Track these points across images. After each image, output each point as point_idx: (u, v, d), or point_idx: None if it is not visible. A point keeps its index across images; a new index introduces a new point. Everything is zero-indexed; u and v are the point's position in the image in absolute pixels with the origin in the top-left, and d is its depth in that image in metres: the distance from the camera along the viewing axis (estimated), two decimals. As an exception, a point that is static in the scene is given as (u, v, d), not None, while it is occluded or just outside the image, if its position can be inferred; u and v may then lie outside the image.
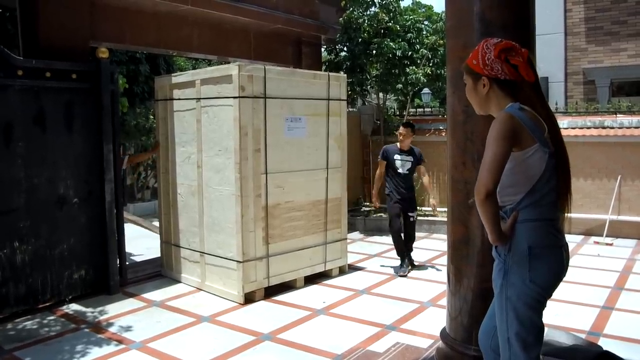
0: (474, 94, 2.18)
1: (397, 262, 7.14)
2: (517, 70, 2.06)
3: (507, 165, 2.00)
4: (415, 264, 6.63)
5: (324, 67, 9.48)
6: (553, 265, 2.06)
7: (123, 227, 5.91)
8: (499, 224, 2.00)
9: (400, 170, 6.41)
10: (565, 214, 2.10)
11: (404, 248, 6.46)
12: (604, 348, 3.50)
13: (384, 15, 8.81)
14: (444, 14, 8.42)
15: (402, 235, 6.45)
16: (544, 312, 2.12)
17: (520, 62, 2.05)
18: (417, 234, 8.68)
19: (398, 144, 6.55)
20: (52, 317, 5.04)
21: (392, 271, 6.51)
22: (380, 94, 9.81)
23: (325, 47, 10.03)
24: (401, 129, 6.57)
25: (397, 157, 6.46)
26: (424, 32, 9.20)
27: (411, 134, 6.54)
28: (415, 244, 8.12)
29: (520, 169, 2.02)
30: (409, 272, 6.37)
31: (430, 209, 6.47)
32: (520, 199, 2.04)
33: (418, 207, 9.25)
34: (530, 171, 2.02)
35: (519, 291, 2.04)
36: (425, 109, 11.69)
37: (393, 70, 8.91)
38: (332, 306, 5.28)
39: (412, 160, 6.47)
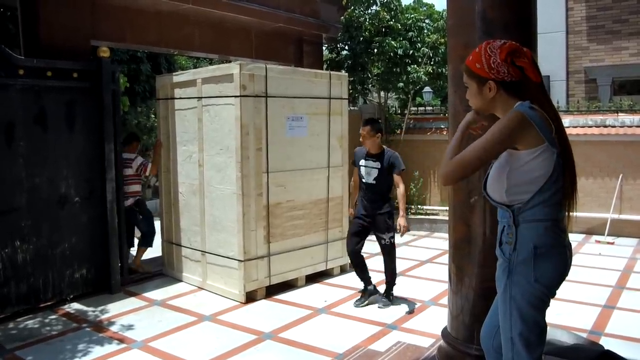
0: (479, 97, 2.16)
1: (399, 262, 7.07)
2: (523, 71, 2.05)
3: (516, 164, 2.02)
4: (380, 305, 5.20)
5: (325, 66, 9.47)
6: (557, 264, 2.05)
7: (124, 226, 5.92)
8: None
9: (364, 180, 5.15)
10: (570, 214, 2.09)
11: (363, 275, 5.32)
12: (606, 347, 3.49)
13: (385, 13, 8.81)
14: (445, 13, 8.42)
15: (360, 257, 5.31)
16: (546, 311, 2.12)
17: (526, 64, 2.04)
18: (418, 233, 8.75)
19: None
20: (53, 316, 5.05)
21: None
22: (382, 93, 9.80)
23: (326, 45, 10.02)
24: (361, 129, 5.16)
25: (362, 162, 5.20)
26: (425, 31, 9.18)
27: (372, 133, 5.05)
28: (416, 242, 8.15)
29: (529, 168, 2.01)
30: (362, 305, 5.20)
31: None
32: (528, 198, 2.03)
33: (419, 206, 9.31)
34: (538, 171, 2.01)
35: (523, 290, 2.04)
36: (427, 108, 11.68)
37: (394, 69, 8.90)
38: (333, 305, 5.28)
39: (378, 167, 5.08)
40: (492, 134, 1.98)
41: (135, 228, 6.43)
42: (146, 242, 6.44)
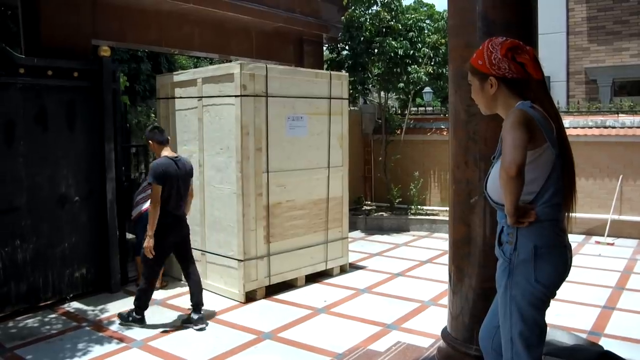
0: (481, 95, 2.16)
1: (399, 262, 7.06)
2: (524, 68, 2.05)
3: None
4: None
5: (325, 66, 9.47)
6: (558, 265, 2.05)
7: (124, 225, 5.91)
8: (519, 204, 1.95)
9: None
10: (570, 214, 2.09)
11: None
12: (605, 348, 3.49)
13: (385, 14, 8.80)
14: (445, 13, 8.40)
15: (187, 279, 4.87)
16: (546, 311, 2.12)
17: (527, 60, 2.04)
18: (418, 233, 8.77)
19: None
20: (53, 316, 5.05)
21: (393, 270, 6.49)
22: (382, 93, 9.80)
23: (327, 45, 10.01)
24: None
25: None
26: (426, 31, 9.17)
27: (149, 142, 4.76)
28: (416, 243, 8.16)
29: (530, 169, 1.99)
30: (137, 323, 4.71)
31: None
32: (532, 199, 2.02)
33: (419, 206, 9.33)
34: (540, 170, 2.01)
35: (523, 290, 2.04)
36: (427, 108, 11.68)
37: (395, 69, 8.90)
38: (333, 305, 5.28)
39: None
40: (509, 134, 1.91)
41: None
42: None
